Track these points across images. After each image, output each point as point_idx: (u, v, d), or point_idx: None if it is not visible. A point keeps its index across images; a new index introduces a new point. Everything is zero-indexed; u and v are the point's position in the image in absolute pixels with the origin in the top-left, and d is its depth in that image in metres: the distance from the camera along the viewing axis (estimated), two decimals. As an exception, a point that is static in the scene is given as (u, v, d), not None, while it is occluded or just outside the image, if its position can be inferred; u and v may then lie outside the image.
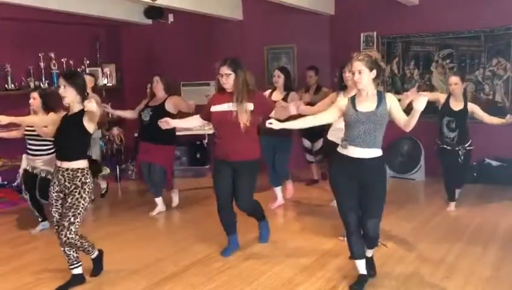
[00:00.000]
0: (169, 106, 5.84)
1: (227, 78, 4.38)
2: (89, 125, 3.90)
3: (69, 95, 3.89)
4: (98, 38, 8.31)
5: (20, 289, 4.08)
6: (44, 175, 5.42)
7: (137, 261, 4.54)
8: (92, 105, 3.64)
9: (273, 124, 3.85)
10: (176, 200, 6.40)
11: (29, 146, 5.52)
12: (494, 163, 6.97)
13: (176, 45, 8.41)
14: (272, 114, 4.47)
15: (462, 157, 5.70)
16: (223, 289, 3.93)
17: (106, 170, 6.97)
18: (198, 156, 8.41)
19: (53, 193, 3.97)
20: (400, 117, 3.62)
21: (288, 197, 6.30)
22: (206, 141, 8.20)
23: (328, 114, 3.89)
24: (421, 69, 7.55)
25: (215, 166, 4.58)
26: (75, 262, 4.06)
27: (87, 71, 7.80)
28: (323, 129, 5.43)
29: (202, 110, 4.67)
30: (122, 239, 5.24)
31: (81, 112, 3.88)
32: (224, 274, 4.21)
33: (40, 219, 5.64)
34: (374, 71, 3.59)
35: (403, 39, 7.61)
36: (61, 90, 3.89)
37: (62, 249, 4.00)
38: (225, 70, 4.38)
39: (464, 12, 7.04)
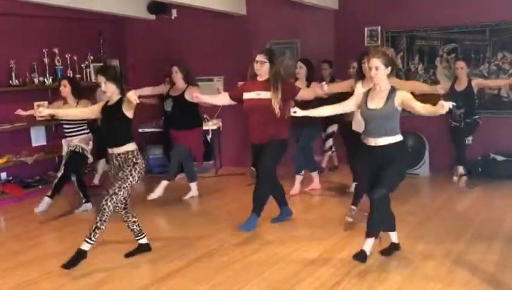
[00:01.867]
0: (188, 97, 6.08)
1: (262, 65, 4.84)
2: (129, 112, 4.23)
3: (109, 89, 4.25)
4: (102, 33, 8.29)
5: (26, 283, 4.09)
6: (75, 149, 5.80)
7: (142, 255, 4.55)
8: (134, 97, 3.95)
9: (297, 112, 4.22)
10: (193, 192, 6.63)
11: (65, 130, 5.86)
12: (499, 158, 6.95)
13: (180, 41, 8.39)
14: (300, 94, 5.02)
15: (462, 124, 6.50)
16: (228, 284, 3.93)
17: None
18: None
19: (112, 179, 4.36)
20: (413, 108, 3.86)
21: (291, 194, 6.31)
22: (210, 136, 8.18)
23: (347, 105, 4.29)
24: (425, 63, 7.52)
25: (252, 149, 5.11)
26: (140, 234, 4.54)
27: (93, 66, 7.87)
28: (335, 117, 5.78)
29: (233, 90, 5.05)
30: (128, 233, 5.23)
31: (120, 101, 4.19)
32: (229, 269, 4.21)
33: (83, 200, 6.01)
34: (389, 68, 3.95)
35: (407, 34, 7.57)
36: (103, 87, 4.25)
37: (126, 224, 4.49)
38: (261, 58, 4.83)
39: (468, 7, 7.00)
